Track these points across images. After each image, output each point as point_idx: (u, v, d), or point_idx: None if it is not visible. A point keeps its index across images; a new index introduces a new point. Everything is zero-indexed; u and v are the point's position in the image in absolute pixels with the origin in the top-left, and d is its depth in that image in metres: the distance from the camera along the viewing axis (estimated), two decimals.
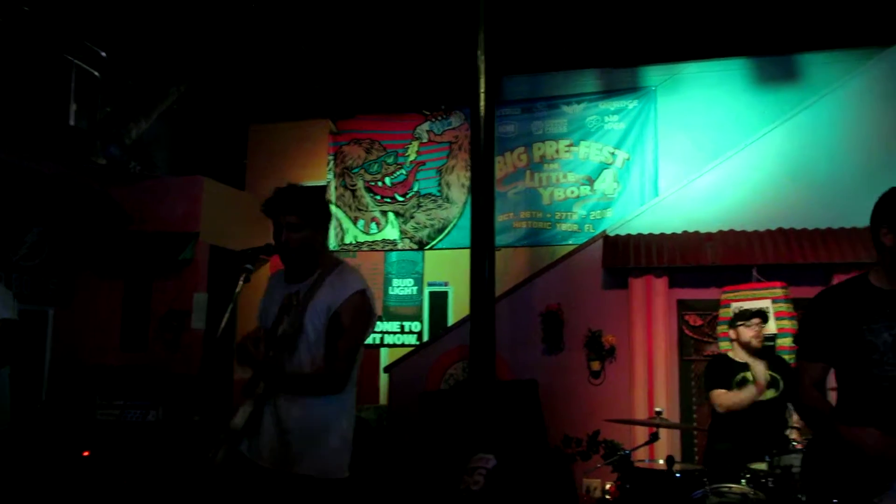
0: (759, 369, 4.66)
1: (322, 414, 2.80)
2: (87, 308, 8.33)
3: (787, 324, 6.32)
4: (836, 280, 6.59)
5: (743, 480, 4.11)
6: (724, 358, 5.08)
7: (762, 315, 4.89)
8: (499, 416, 5.94)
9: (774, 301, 6.44)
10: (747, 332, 4.83)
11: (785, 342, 6.13)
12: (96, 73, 8.06)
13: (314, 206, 2.91)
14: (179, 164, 10.08)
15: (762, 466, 4.16)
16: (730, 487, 4.09)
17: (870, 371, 2.52)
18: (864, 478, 2.46)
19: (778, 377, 4.79)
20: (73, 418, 6.69)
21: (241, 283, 2.84)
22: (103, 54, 8.05)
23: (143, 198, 8.61)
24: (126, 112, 8.40)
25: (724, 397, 4.79)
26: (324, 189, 9.94)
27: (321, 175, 10.10)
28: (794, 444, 4.16)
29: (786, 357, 5.55)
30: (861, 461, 2.46)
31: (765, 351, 4.89)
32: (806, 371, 2.71)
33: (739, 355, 4.90)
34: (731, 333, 5.00)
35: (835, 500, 2.55)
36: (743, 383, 4.82)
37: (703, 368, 5.38)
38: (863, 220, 7.02)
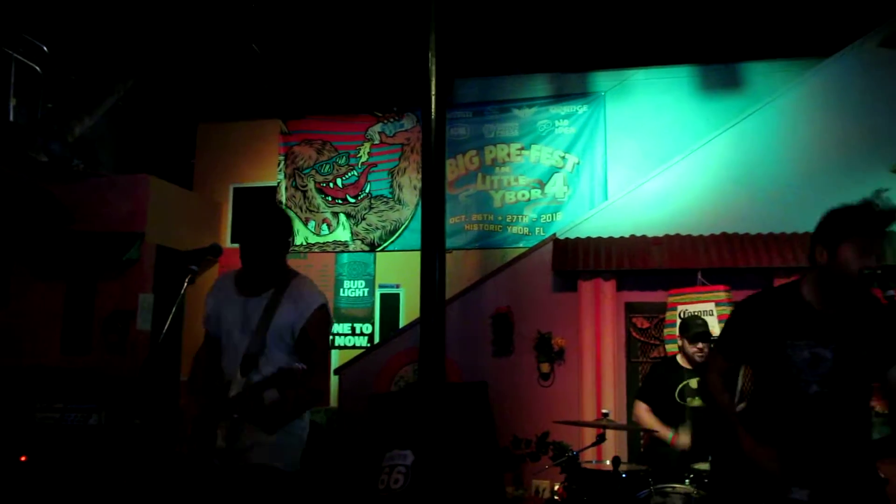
0: (684, 439, 4.74)
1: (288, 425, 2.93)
2: (27, 309, 8.09)
3: None
4: (776, 284, 6.78)
5: (686, 480, 4.19)
6: (671, 362, 5.16)
7: (706, 338, 4.91)
8: (448, 419, 5.93)
9: (718, 304, 6.58)
10: (690, 348, 4.93)
11: None
12: (37, 68, 7.82)
13: (286, 233, 3.00)
14: (125, 163, 9.85)
15: (705, 466, 4.25)
16: (674, 487, 4.16)
17: (786, 385, 2.60)
18: (762, 485, 2.56)
19: None
20: (10, 421, 6.48)
21: (185, 284, 2.84)
22: (45, 49, 7.81)
23: (87, 196, 8.40)
24: (69, 108, 8.18)
25: (645, 416, 4.95)
26: (270, 191, 9.84)
27: (271, 175, 9.98)
28: None
29: None
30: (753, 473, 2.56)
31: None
32: (716, 362, 2.84)
33: (686, 362, 4.99)
34: (679, 341, 5.08)
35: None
36: (684, 393, 4.91)
37: (650, 367, 5.46)
38: (802, 225, 7.26)
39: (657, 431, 4.85)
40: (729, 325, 2.87)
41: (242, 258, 2.92)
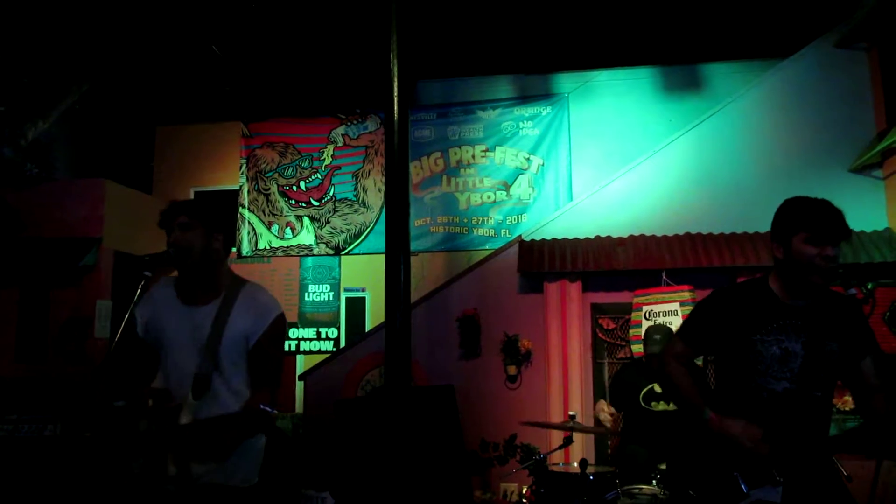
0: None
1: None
2: None
3: None
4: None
5: (654, 481, 4.18)
6: (639, 364, 5.16)
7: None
8: (415, 423, 5.88)
9: (682, 304, 6.62)
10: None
11: None
12: None
13: (207, 206, 2.79)
14: (82, 167, 9.64)
15: None
16: (640, 488, 4.15)
17: (753, 380, 2.56)
18: (721, 481, 2.53)
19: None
20: None
21: (139, 291, 2.69)
22: None
23: (41, 202, 8.19)
24: (21, 112, 7.96)
25: (603, 411, 4.95)
26: (232, 194, 9.69)
27: (233, 179, 9.83)
28: None
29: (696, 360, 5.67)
30: (723, 454, 2.52)
31: None
32: (675, 348, 2.78)
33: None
34: (644, 347, 5.06)
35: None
36: (649, 397, 4.90)
37: (616, 371, 5.45)
38: (764, 224, 7.28)
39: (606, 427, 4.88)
40: (695, 314, 2.80)
41: (176, 263, 2.72)
